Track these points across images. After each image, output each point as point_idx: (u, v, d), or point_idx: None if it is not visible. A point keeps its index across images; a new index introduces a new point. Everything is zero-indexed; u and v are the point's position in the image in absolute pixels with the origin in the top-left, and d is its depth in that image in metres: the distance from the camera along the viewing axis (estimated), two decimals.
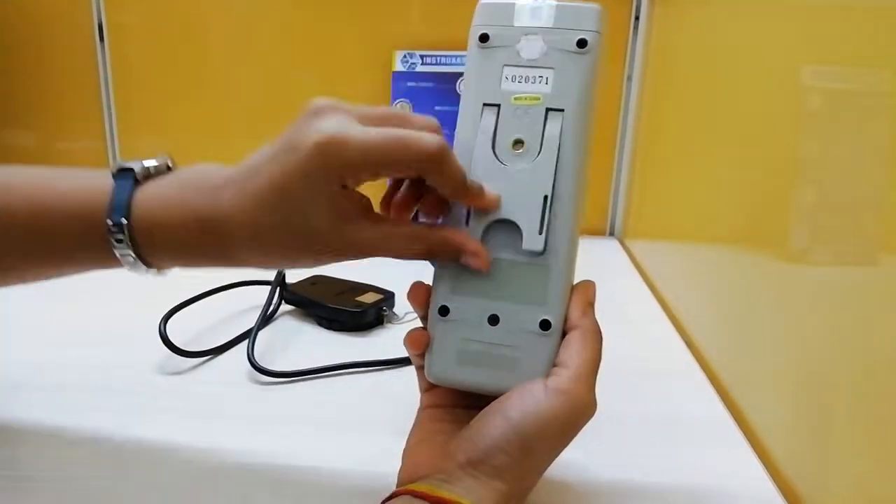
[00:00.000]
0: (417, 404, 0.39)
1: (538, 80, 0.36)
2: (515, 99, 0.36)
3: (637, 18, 0.88)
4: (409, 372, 0.41)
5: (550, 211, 0.35)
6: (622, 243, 0.94)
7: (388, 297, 0.64)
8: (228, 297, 0.65)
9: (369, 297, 0.63)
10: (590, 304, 0.36)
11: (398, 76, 0.91)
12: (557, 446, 0.34)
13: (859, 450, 0.35)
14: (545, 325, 0.35)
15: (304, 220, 0.33)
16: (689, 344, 0.61)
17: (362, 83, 0.93)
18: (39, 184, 0.38)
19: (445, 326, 0.36)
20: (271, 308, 0.63)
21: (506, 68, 0.36)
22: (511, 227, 0.36)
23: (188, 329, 0.58)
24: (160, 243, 0.36)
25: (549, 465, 0.34)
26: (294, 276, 0.66)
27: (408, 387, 0.41)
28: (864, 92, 0.37)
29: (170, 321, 0.57)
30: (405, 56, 0.91)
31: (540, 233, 0.35)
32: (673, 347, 0.61)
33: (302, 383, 0.52)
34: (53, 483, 0.39)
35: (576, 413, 0.33)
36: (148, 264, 0.37)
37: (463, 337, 0.36)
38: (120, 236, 0.36)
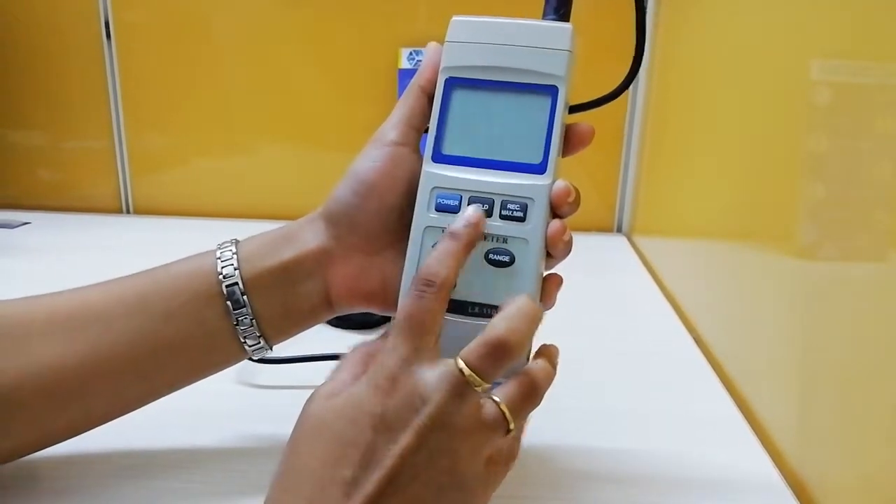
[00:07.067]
0: None
1: None
2: None
3: None
4: None
5: None
6: (630, 240, 0.93)
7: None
8: None
9: None
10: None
11: (404, 73, 0.91)
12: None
13: (868, 444, 0.35)
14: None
15: None
16: (697, 340, 0.61)
17: (368, 81, 0.93)
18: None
19: None
20: None
21: None
22: None
23: None
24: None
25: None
26: None
27: None
28: (872, 86, 0.37)
29: None
30: (411, 54, 0.91)
31: None
32: (681, 344, 0.61)
33: (303, 383, 0.52)
34: (58, 481, 0.40)
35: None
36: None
37: None
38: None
